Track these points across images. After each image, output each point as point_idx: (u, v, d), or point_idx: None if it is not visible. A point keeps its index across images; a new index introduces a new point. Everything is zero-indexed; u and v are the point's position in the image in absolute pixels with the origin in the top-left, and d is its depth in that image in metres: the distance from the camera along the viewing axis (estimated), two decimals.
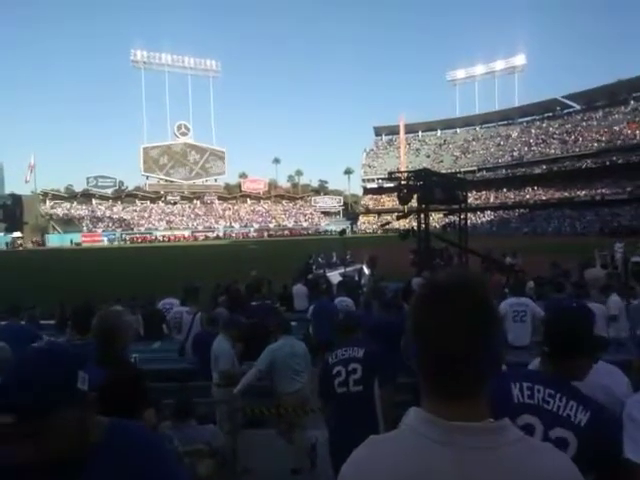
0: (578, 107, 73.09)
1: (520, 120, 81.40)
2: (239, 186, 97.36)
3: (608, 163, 58.63)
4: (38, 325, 7.08)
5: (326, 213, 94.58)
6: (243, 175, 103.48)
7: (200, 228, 79.94)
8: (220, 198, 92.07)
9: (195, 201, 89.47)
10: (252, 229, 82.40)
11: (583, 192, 59.49)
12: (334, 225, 79.92)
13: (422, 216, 14.44)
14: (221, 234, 77.90)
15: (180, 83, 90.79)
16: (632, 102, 64.38)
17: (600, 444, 1.56)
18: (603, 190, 57.25)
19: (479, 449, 0.81)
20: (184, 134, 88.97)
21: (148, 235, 73.83)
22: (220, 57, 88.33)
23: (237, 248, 46.93)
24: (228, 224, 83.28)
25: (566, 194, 61.62)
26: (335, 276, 14.16)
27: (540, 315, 5.76)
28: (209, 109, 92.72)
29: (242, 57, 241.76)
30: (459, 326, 0.83)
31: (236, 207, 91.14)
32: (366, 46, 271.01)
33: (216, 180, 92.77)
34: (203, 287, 8.14)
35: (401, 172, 18.73)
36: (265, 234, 79.11)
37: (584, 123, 68.49)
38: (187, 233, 76.73)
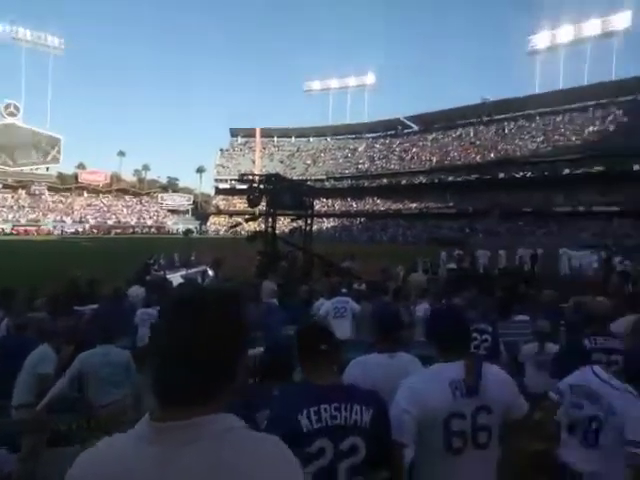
0: (416, 128, 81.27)
1: (367, 135, 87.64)
2: (75, 177, 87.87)
3: (437, 180, 66.36)
4: None
5: (174, 211, 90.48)
6: (81, 166, 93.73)
7: (23, 221, 69.98)
8: (51, 189, 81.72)
9: (20, 191, 78.26)
10: (87, 225, 74.87)
11: (415, 205, 66.40)
12: (182, 224, 76.81)
13: (270, 220, 14.67)
14: (50, 229, 69.25)
15: (13, 57, 78.79)
16: (460, 129, 73.95)
17: (380, 435, 1.73)
18: (431, 204, 64.56)
19: (179, 444, 0.83)
20: (12, 114, 77.37)
21: None
22: (64, 35, 78.06)
23: (67, 245, 42.09)
24: (59, 218, 74.46)
25: (401, 206, 68.13)
26: (176, 278, 13.53)
27: (357, 311, 6.28)
28: (46, 90, 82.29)
29: (89, 40, 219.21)
30: (179, 336, 0.88)
31: (69, 200, 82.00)
32: (226, 51, 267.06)
33: (48, 169, 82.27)
34: (21, 289, 7.16)
35: (252, 175, 18.83)
36: (112, 232, 72.44)
37: (420, 143, 76.52)
38: (7, 226, 66.51)
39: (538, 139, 61.75)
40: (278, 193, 14.97)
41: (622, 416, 2.17)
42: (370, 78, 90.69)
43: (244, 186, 20.80)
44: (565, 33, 68.40)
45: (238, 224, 28.99)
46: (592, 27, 65.63)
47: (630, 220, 45.29)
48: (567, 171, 54.15)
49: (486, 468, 1.90)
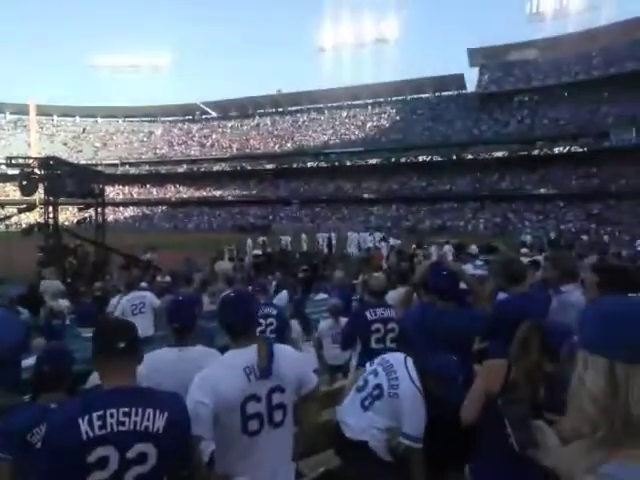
0: (215, 114, 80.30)
1: (163, 119, 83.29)
2: None
3: (239, 168, 67.00)
4: None
5: None
6: None
7: None
8: None
9: None
10: None
11: (218, 192, 66.06)
12: None
13: (51, 209, 13.00)
14: None
15: None
16: (258, 117, 75.67)
17: (177, 438, 1.66)
18: (234, 191, 65.06)
19: None
20: None
21: None
22: None
23: None
24: None
25: (204, 193, 66.98)
26: None
27: (157, 305, 6.00)
28: None
29: None
30: None
31: None
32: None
33: None
34: None
35: (24, 158, 16.32)
36: None
37: (220, 130, 75.90)
38: None
39: (328, 132, 67.27)
40: (58, 179, 13.33)
41: (401, 404, 2.39)
42: (165, 59, 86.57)
43: (16, 171, 17.85)
44: (347, 35, 75.87)
45: (9, 216, 24.93)
46: (369, 33, 74.31)
47: (405, 205, 53.21)
48: (349, 163, 60.34)
49: (283, 444, 2.01)
